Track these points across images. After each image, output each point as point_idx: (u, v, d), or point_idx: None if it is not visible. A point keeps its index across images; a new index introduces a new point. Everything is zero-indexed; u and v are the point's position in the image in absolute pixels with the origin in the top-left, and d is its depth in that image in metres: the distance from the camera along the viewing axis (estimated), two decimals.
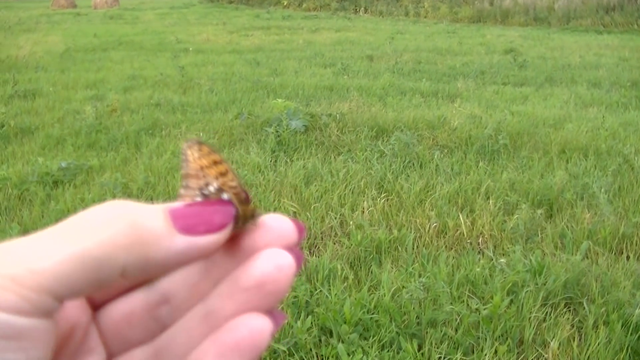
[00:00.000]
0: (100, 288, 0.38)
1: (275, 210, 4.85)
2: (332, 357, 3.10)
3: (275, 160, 6.01)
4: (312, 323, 3.35)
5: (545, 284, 3.75)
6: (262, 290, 0.41)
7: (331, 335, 3.30)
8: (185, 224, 0.40)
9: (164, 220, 0.39)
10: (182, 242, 0.39)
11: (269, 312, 0.42)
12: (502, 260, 4.02)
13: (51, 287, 0.35)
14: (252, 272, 0.41)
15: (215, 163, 0.45)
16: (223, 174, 0.45)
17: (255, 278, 0.41)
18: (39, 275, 0.35)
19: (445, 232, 4.58)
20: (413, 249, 4.30)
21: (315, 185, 5.29)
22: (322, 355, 3.15)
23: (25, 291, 0.34)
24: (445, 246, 4.41)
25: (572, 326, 3.48)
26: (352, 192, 5.19)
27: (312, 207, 4.89)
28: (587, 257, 4.23)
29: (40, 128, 7.40)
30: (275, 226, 0.44)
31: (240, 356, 0.40)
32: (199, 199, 0.44)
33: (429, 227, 4.58)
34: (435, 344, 3.24)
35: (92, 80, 11.08)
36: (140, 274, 0.39)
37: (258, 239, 0.44)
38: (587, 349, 3.22)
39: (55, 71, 12.13)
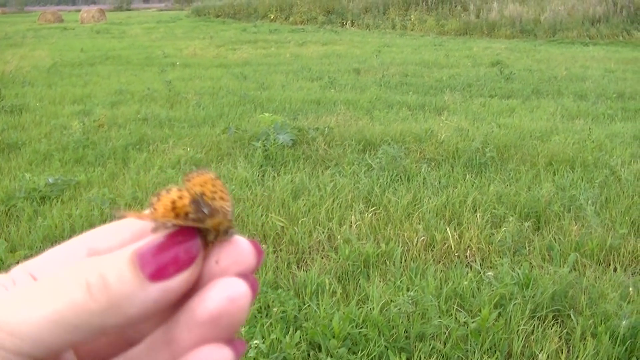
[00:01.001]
0: (85, 345, 0.38)
1: (263, 225, 4.85)
2: None
3: (263, 175, 6.01)
4: (300, 338, 3.35)
5: (533, 297, 3.75)
6: (218, 323, 0.40)
7: (320, 350, 3.29)
8: (155, 269, 0.39)
9: (133, 272, 0.38)
10: (156, 290, 0.39)
11: (229, 340, 0.41)
12: (489, 273, 4.02)
13: (30, 351, 0.36)
14: (207, 306, 0.40)
15: (217, 192, 0.46)
16: (223, 199, 0.45)
17: (210, 312, 0.40)
18: (20, 340, 0.36)
19: (433, 246, 4.59)
20: (401, 262, 4.30)
21: (303, 200, 5.29)
22: None
23: (9, 355, 0.35)
24: (433, 260, 4.41)
25: (560, 338, 3.48)
26: (340, 206, 5.19)
27: (300, 221, 4.88)
28: (575, 269, 4.24)
29: (27, 143, 7.37)
30: (233, 249, 0.43)
31: None
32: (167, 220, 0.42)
33: (417, 241, 4.58)
34: (424, 357, 3.24)
35: (79, 95, 11.06)
36: (121, 328, 0.39)
37: (216, 262, 0.43)
38: None
39: (42, 86, 12.10)
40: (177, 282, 0.39)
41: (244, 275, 0.42)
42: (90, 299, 0.37)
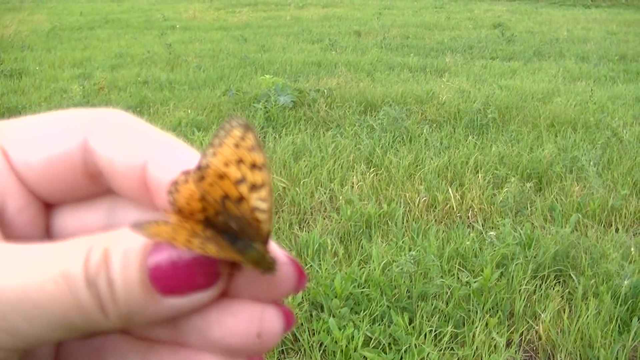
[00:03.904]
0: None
1: None
2: (324, 331, 3.10)
3: (264, 136, 5.99)
4: (303, 298, 3.36)
5: (535, 257, 3.76)
6: (236, 354, 0.38)
7: (322, 310, 3.30)
8: (167, 286, 0.35)
9: (144, 287, 0.34)
10: (169, 305, 0.35)
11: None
12: (491, 233, 4.03)
13: (16, 345, 0.35)
14: (228, 340, 0.37)
15: (253, 167, 0.37)
16: (256, 188, 0.37)
17: (230, 345, 0.38)
18: (10, 337, 0.34)
19: (435, 206, 4.59)
20: (403, 223, 4.31)
21: (304, 161, 5.28)
22: (313, 329, 3.16)
23: None
24: (435, 220, 4.41)
25: (562, 298, 3.49)
26: (341, 167, 5.18)
27: (302, 182, 4.88)
28: (577, 230, 4.24)
29: (27, 107, 7.34)
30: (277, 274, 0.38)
31: None
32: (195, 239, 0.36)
33: (419, 201, 4.58)
34: (426, 317, 3.25)
35: (78, 58, 10.99)
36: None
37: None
38: (577, 321, 3.24)
39: (42, 50, 12.02)
40: (194, 299, 0.36)
41: (280, 306, 0.39)
42: (101, 312, 0.34)
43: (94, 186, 0.42)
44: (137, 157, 0.39)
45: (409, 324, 3.19)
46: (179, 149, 0.40)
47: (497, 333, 3.17)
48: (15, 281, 0.33)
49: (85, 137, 0.40)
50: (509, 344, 3.21)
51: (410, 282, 3.49)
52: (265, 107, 6.54)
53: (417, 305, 3.34)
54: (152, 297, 0.35)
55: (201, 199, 0.37)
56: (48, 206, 0.42)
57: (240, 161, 0.37)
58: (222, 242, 0.37)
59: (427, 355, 2.98)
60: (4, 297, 0.33)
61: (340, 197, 4.61)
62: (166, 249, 0.35)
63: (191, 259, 0.35)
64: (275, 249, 0.39)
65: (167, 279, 0.35)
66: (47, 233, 0.42)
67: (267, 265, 0.37)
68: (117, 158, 0.40)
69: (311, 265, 3.69)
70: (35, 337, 0.34)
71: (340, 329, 3.08)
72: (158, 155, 0.39)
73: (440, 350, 3.07)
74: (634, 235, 4.28)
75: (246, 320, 0.37)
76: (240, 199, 0.37)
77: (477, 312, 3.30)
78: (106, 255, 0.34)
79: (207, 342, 0.38)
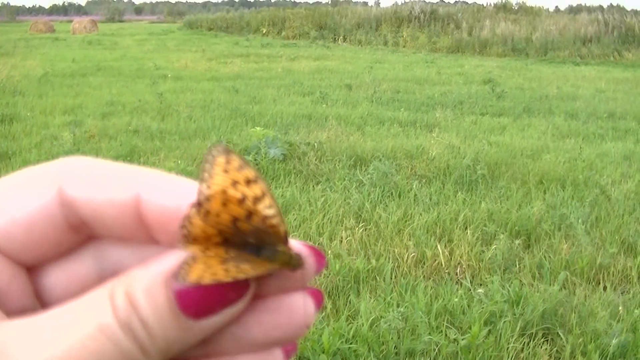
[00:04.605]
0: None
1: None
2: None
3: None
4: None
5: (523, 314, 3.75)
6: (275, 345, 0.40)
7: None
8: (199, 310, 0.35)
9: (174, 316, 0.35)
10: (205, 326, 0.36)
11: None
12: (480, 290, 4.02)
13: None
14: (268, 333, 0.39)
15: (248, 182, 0.38)
16: (259, 199, 0.38)
17: (272, 338, 0.39)
18: None
19: (424, 262, 4.59)
20: (391, 278, 4.30)
21: (294, 214, 5.28)
22: None
23: None
24: (424, 276, 4.41)
25: (550, 356, 3.48)
26: (331, 222, 5.18)
27: (291, 236, 4.86)
28: (565, 288, 4.24)
29: (18, 153, 7.33)
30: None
31: None
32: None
33: (407, 257, 4.58)
34: None
35: (70, 105, 11.01)
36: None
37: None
38: None
39: (33, 96, 12.04)
40: (229, 313, 0.37)
41: (309, 290, 0.41)
42: (141, 352, 0.34)
43: (75, 237, 0.41)
44: (124, 192, 0.39)
45: None
46: (165, 177, 0.41)
47: None
48: (58, 349, 0.33)
49: (58, 188, 0.39)
50: None
51: (398, 338, 3.48)
52: (255, 160, 6.56)
53: None
54: (186, 324, 0.35)
55: (216, 223, 0.38)
56: (30, 270, 0.41)
57: (235, 183, 0.38)
58: (250, 257, 0.38)
59: None
60: None
61: (329, 252, 4.61)
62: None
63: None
64: (293, 243, 0.41)
65: (196, 303, 0.35)
66: (37, 297, 0.41)
67: (295, 262, 0.39)
68: (101, 198, 0.39)
69: None
70: None
71: None
72: (148, 186, 0.40)
73: None
74: (622, 293, 4.27)
75: (287, 312, 0.39)
76: (249, 214, 0.38)
77: None
78: (130, 298, 0.34)
79: (245, 344, 0.39)
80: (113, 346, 0.33)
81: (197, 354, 0.39)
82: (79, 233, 0.41)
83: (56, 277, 0.42)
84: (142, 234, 0.40)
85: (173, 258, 0.36)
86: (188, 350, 0.37)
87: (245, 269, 0.37)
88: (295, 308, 0.39)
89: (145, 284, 0.35)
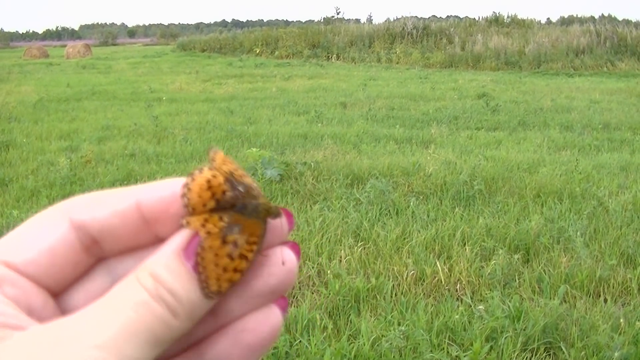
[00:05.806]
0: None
1: None
2: None
3: None
4: None
5: (524, 330, 3.75)
6: (275, 293, 0.47)
7: None
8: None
9: (195, 280, 0.43)
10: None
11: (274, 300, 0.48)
12: (480, 306, 4.02)
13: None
14: (268, 282, 0.47)
15: (237, 170, 0.48)
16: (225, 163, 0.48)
17: (271, 286, 0.47)
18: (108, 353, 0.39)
19: (423, 280, 4.58)
20: (391, 297, 4.30)
21: (292, 235, 5.26)
22: None
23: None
24: (424, 293, 4.41)
25: None
26: (329, 241, 5.18)
27: None
28: (565, 301, 4.24)
29: (14, 180, 7.34)
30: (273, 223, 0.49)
31: (263, 351, 0.47)
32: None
33: (407, 275, 4.57)
34: None
35: (65, 130, 11.03)
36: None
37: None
38: None
39: (29, 122, 12.06)
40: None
41: (287, 243, 0.49)
42: (174, 316, 0.42)
43: (88, 259, 0.48)
44: (123, 202, 0.47)
45: None
46: (157, 182, 0.48)
47: None
48: (116, 325, 0.40)
49: (69, 217, 0.46)
50: None
51: (400, 356, 3.47)
52: None
53: None
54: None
55: (209, 187, 0.46)
56: (55, 296, 0.48)
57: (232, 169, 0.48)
58: (241, 218, 0.46)
59: None
60: (120, 337, 0.40)
61: (329, 272, 4.60)
62: (192, 243, 0.44)
63: None
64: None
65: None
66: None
67: (275, 211, 0.48)
68: (105, 213, 0.46)
69: (300, 341, 3.67)
70: (140, 357, 0.41)
71: None
72: (144, 191, 0.47)
73: None
74: (622, 305, 4.28)
75: (277, 262, 0.47)
76: (241, 176, 0.48)
77: None
78: (155, 276, 0.42)
79: (249, 299, 0.47)
80: (152, 316, 0.41)
81: (209, 329, 0.47)
82: (91, 254, 0.48)
83: (77, 298, 0.48)
84: (147, 236, 0.48)
85: (179, 237, 0.45)
86: (206, 315, 0.45)
87: (242, 264, 0.45)
88: (285, 257, 0.48)
89: (164, 261, 0.43)
